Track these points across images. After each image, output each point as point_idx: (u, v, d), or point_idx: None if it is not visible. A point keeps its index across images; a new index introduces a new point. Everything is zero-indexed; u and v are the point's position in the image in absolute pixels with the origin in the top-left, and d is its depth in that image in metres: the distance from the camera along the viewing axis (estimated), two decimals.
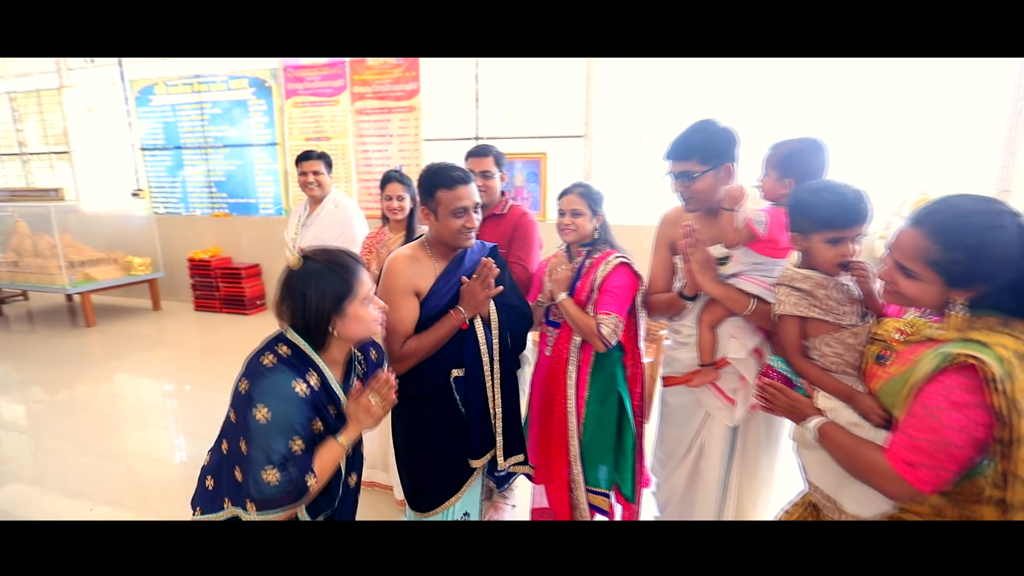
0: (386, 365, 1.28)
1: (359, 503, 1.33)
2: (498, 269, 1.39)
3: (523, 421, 1.69)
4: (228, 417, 1.10)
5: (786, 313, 1.09)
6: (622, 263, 1.52)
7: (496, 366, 1.46)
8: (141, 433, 2.99)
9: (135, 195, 5.78)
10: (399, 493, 2.27)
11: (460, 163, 1.95)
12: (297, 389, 1.03)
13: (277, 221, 5.20)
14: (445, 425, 1.45)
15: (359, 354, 1.24)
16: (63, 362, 4.04)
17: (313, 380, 1.06)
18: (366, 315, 1.10)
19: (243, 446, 1.02)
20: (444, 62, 4.55)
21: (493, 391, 1.46)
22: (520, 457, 1.55)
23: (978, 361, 0.79)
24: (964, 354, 0.81)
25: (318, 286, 1.05)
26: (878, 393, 0.97)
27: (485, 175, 1.95)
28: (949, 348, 0.83)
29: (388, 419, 1.43)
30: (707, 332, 1.37)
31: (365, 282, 1.10)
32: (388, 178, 2.15)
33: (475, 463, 1.47)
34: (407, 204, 2.15)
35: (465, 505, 1.53)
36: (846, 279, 1.08)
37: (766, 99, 3.96)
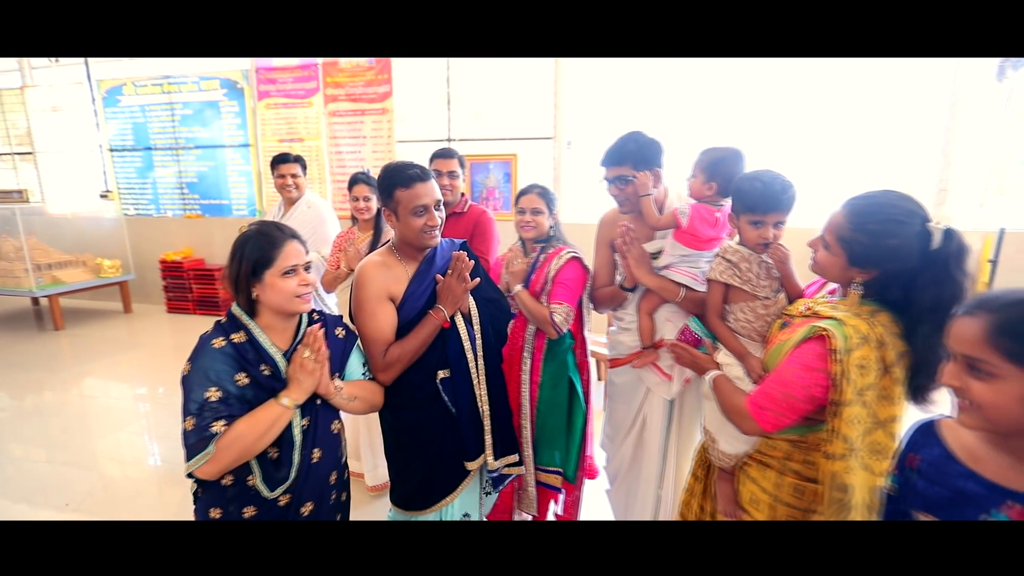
0: (329, 331, 1.26)
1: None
2: (472, 261, 1.36)
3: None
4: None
5: (713, 278, 1.25)
6: (573, 257, 1.67)
7: (480, 362, 1.43)
8: (112, 437, 2.95)
9: (104, 196, 5.71)
10: (371, 480, 2.36)
11: (427, 164, 2.10)
12: (215, 343, 1.11)
13: (250, 222, 5.21)
14: (438, 432, 1.41)
15: (318, 325, 1.22)
16: (30, 366, 3.99)
17: (237, 337, 1.13)
18: (283, 287, 1.13)
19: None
20: (416, 65, 4.63)
21: (480, 389, 1.44)
22: (514, 457, 1.51)
23: (828, 333, 0.95)
24: (821, 327, 0.97)
25: (242, 252, 1.14)
26: (767, 354, 1.13)
27: (451, 175, 2.08)
28: (818, 322, 0.99)
29: (374, 415, 1.47)
30: (645, 318, 1.51)
31: (289, 255, 1.14)
32: (355, 180, 2.25)
33: (470, 465, 1.44)
34: (374, 204, 2.25)
35: (464, 506, 1.52)
36: (767, 259, 1.24)
37: (722, 100, 4.16)
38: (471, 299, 1.43)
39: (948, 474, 0.78)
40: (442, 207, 1.39)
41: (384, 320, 1.34)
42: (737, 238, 1.29)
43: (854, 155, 4.17)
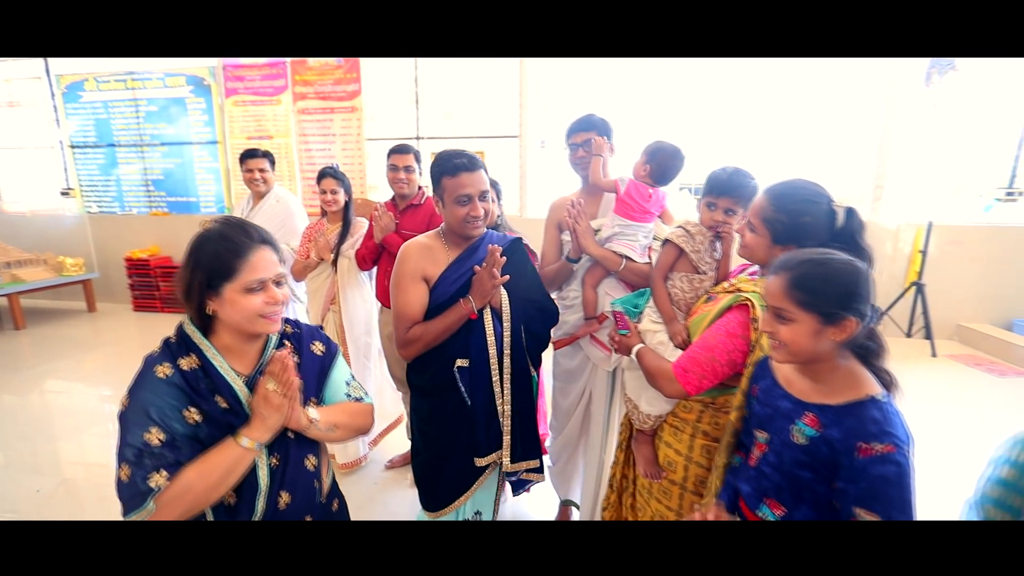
0: (304, 346, 1.09)
1: None
2: (504, 258, 1.34)
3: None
4: None
5: (671, 239, 1.40)
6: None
7: (505, 360, 1.40)
8: (76, 440, 2.84)
9: (65, 194, 5.60)
10: (342, 457, 2.46)
11: (384, 160, 2.27)
12: (159, 371, 0.90)
13: (214, 218, 5.19)
14: (453, 416, 1.41)
15: (289, 345, 1.06)
16: None
17: (186, 363, 0.92)
18: (245, 305, 0.93)
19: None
20: (384, 64, 4.72)
21: (501, 386, 1.41)
22: (535, 463, 1.47)
23: (750, 303, 1.10)
24: (744, 296, 1.12)
25: (197, 257, 0.94)
26: (690, 323, 1.29)
27: (408, 170, 2.23)
28: (740, 294, 1.14)
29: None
30: (590, 291, 1.67)
31: (256, 267, 0.94)
32: (323, 174, 2.36)
33: (480, 461, 1.43)
34: (341, 198, 2.37)
35: (477, 504, 1.52)
36: (717, 244, 1.41)
37: (677, 99, 4.40)
38: (505, 295, 1.42)
39: (773, 396, 0.97)
40: (487, 198, 1.39)
41: (415, 298, 1.37)
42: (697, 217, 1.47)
43: (796, 154, 4.46)
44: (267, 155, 2.81)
